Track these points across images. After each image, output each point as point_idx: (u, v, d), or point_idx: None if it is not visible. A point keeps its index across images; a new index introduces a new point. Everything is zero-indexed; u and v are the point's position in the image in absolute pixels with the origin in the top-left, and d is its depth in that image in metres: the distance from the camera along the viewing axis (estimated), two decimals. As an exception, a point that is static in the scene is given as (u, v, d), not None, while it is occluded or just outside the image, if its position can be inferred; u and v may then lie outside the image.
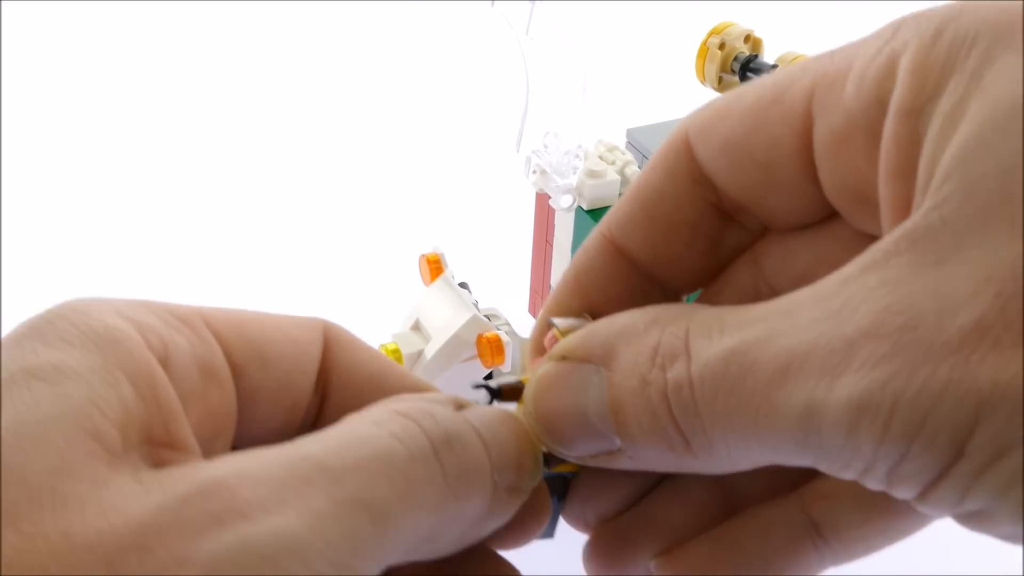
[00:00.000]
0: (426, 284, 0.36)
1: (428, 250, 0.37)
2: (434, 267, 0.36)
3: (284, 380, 0.26)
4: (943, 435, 0.16)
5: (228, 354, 0.25)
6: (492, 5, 0.33)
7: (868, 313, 0.17)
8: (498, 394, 0.25)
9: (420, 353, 0.35)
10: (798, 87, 0.21)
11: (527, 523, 0.24)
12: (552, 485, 0.25)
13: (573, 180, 0.34)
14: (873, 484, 0.17)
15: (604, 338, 0.22)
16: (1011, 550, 0.40)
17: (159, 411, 0.22)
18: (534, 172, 0.34)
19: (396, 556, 0.20)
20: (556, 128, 0.34)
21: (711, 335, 0.20)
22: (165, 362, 0.22)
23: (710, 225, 0.23)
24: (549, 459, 0.23)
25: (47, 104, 0.66)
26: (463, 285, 0.36)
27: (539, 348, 0.24)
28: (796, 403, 0.18)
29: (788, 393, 0.18)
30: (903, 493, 0.17)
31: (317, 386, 0.26)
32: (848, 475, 0.18)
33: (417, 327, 0.36)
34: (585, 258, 0.24)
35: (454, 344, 0.34)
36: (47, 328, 0.22)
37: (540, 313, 0.24)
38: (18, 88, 0.66)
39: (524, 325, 0.40)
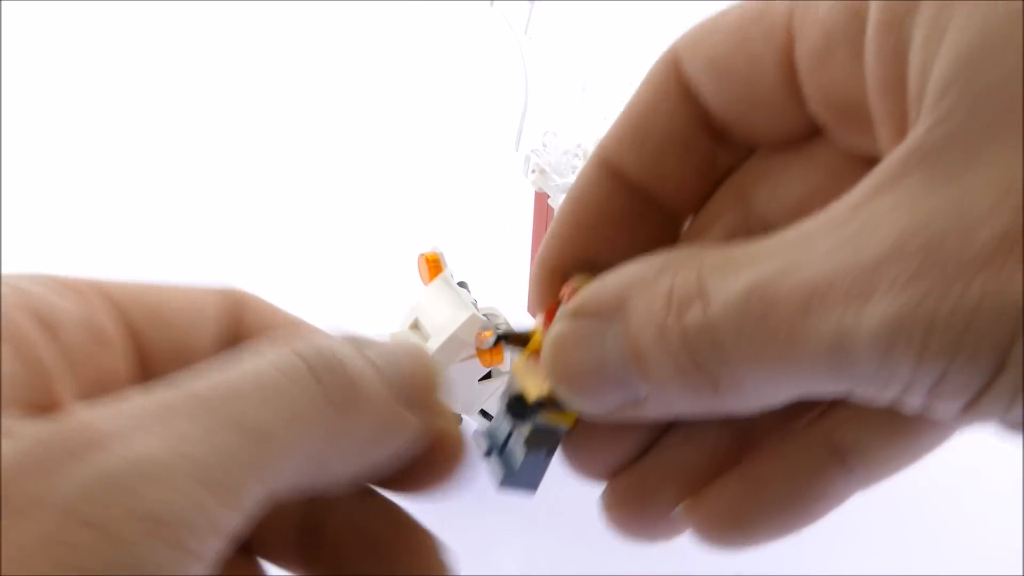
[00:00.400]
0: (425, 283, 0.36)
1: (427, 249, 0.37)
2: (433, 266, 0.36)
3: (184, 341, 0.25)
4: (984, 348, 0.16)
5: (126, 317, 0.24)
6: (491, 5, 0.33)
7: (887, 236, 0.17)
8: (505, 338, 0.24)
9: (419, 352, 0.35)
10: (780, 3, 0.21)
11: (438, 460, 0.24)
12: (541, 438, 0.25)
13: (572, 179, 0.34)
14: (912, 404, 0.17)
15: (615, 290, 0.21)
16: (1011, 550, 0.40)
17: (37, 373, 0.21)
18: (533, 171, 0.34)
19: (284, 479, 0.19)
20: (555, 127, 0.34)
21: (725, 274, 0.20)
22: (49, 325, 0.22)
23: (702, 143, 0.23)
24: (546, 405, 0.23)
25: (46, 104, 0.66)
26: (462, 284, 0.36)
27: (544, 297, 0.24)
28: (825, 332, 0.18)
29: (815, 324, 0.18)
30: (945, 411, 0.17)
31: (224, 348, 0.25)
32: (885, 397, 0.18)
33: (416, 326, 0.36)
34: (582, 183, 0.24)
35: (453, 343, 0.34)
36: None
37: (540, 250, 0.24)
38: (17, 87, 0.66)
39: (523, 324, 0.40)
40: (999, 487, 0.42)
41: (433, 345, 0.35)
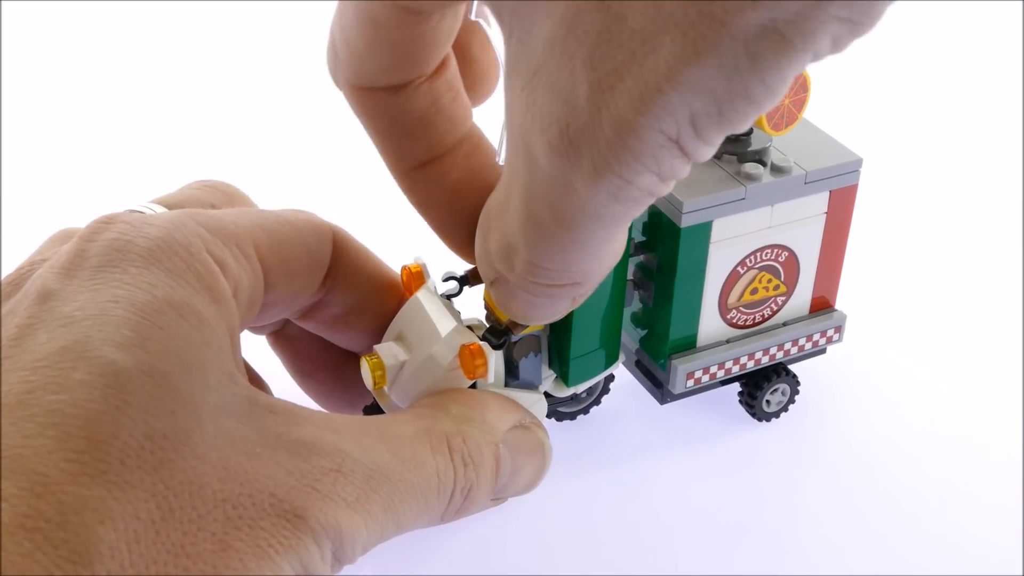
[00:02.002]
0: (408, 295, 0.36)
1: (410, 261, 0.37)
2: (416, 278, 0.36)
3: (300, 287, 0.33)
4: None
5: (266, 274, 0.31)
6: (473, 15, 0.32)
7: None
8: (465, 280, 0.36)
9: (403, 364, 0.35)
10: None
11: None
12: (527, 346, 0.35)
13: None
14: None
15: (486, 266, 0.29)
16: (1011, 550, 0.40)
17: (235, 350, 0.28)
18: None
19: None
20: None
21: (501, 217, 0.27)
22: (235, 294, 0.29)
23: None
24: (513, 327, 0.33)
25: (46, 104, 0.66)
26: (463, 280, 0.36)
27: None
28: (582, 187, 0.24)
29: (577, 192, 0.24)
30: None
31: (324, 281, 0.34)
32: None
33: (400, 338, 0.35)
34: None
35: (437, 355, 0.34)
36: (164, 259, 0.27)
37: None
38: (18, 88, 0.66)
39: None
40: (999, 487, 0.42)
41: (417, 357, 0.34)
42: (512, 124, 0.24)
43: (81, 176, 0.60)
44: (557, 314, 0.30)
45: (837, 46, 0.21)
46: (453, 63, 0.32)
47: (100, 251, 0.27)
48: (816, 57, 0.21)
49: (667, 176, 0.23)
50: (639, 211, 0.24)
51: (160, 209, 0.33)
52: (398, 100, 0.32)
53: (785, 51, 0.20)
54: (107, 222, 0.28)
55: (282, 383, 0.39)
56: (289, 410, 0.28)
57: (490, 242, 0.28)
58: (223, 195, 0.36)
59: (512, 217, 0.26)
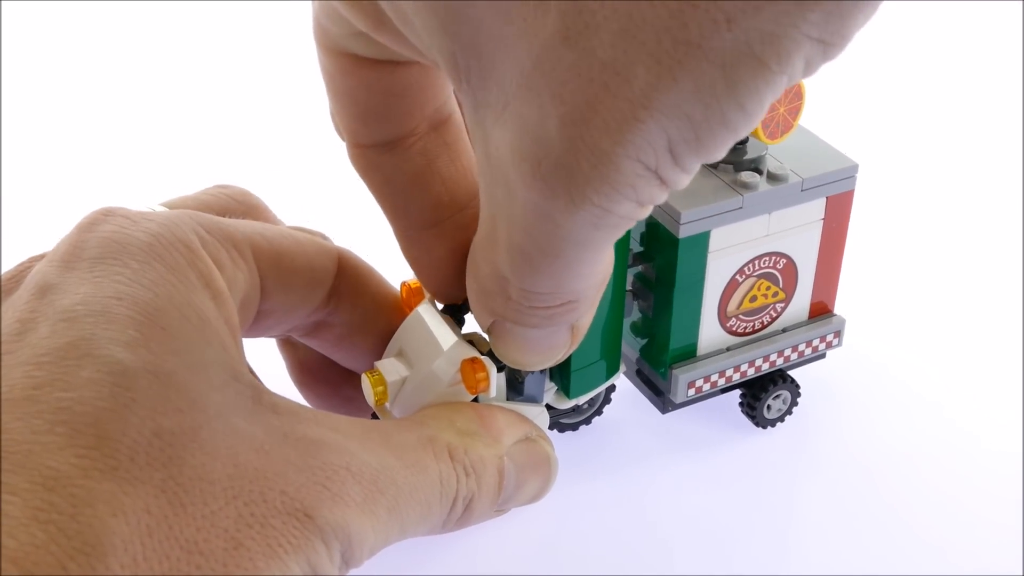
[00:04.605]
0: (408, 311, 0.36)
1: (410, 276, 0.37)
2: (416, 293, 0.36)
3: (299, 300, 0.33)
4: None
5: (263, 279, 0.31)
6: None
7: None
8: (465, 308, 0.35)
9: (404, 380, 0.35)
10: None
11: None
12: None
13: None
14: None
15: (483, 313, 0.29)
16: (1011, 550, 0.40)
17: (238, 345, 0.28)
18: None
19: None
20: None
21: (492, 249, 0.27)
22: (237, 302, 0.29)
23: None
24: None
25: (46, 104, 0.66)
26: (446, 310, 0.36)
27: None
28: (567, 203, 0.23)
29: (566, 214, 0.23)
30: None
31: (328, 300, 0.34)
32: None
33: (401, 354, 0.36)
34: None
35: (438, 370, 0.34)
36: (165, 254, 0.27)
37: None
38: (17, 87, 0.66)
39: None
40: (1001, 491, 0.42)
41: (418, 372, 0.34)
42: (491, 157, 0.24)
43: (102, 182, 0.60)
44: (555, 352, 0.30)
45: (809, 69, 0.21)
46: (455, 124, 0.32)
47: (99, 243, 0.27)
48: (790, 81, 0.21)
49: (646, 202, 0.23)
50: (620, 234, 0.24)
51: (164, 210, 0.33)
52: (389, 159, 0.32)
53: (762, 74, 0.20)
54: (106, 214, 0.28)
55: (281, 386, 0.39)
56: (292, 409, 0.28)
57: (480, 278, 0.28)
58: (239, 203, 0.36)
59: (500, 248, 0.26)
